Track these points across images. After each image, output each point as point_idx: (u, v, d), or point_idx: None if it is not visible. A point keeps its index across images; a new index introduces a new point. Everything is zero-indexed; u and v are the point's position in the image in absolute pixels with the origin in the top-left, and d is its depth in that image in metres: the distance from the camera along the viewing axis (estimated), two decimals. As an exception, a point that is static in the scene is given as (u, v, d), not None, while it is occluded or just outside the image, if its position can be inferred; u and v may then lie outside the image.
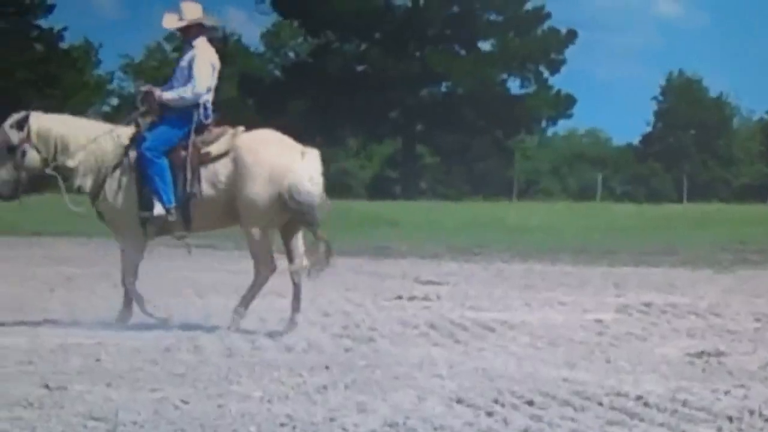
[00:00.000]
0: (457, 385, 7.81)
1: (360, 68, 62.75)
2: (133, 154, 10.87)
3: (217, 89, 11.28)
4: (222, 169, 10.78)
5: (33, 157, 10.81)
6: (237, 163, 10.73)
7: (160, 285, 15.09)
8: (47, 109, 11.71)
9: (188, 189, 10.74)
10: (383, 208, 34.88)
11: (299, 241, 10.93)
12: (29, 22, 63.29)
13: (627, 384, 7.97)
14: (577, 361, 9.09)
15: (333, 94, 57.86)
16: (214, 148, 10.82)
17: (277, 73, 70.73)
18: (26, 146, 10.78)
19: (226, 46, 72.20)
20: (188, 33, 11.18)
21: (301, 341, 9.88)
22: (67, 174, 10.93)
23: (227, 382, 7.92)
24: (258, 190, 10.66)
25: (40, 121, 10.94)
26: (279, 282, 15.03)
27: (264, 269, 10.89)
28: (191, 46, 11.12)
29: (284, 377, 8.07)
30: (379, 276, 16.97)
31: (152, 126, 10.95)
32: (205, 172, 10.78)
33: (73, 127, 11.16)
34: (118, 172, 10.88)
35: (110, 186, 10.87)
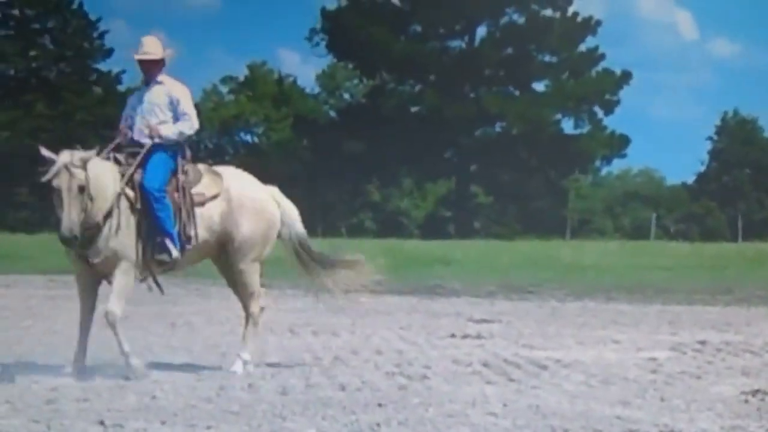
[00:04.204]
0: (511, 423, 7.81)
1: (415, 109, 62.84)
2: (130, 193, 10.22)
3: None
4: (216, 209, 10.51)
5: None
6: (231, 204, 10.54)
7: (214, 322, 15.25)
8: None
9: (187, 231, 10.36)
10: (437, 247, 34.82)
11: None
12: (88, 65, 64.06)
13: (681, 422, 7.94)
14: (631, 399, 9.05)
15: (388, 135, 57.90)
16: (206, 190, 10.50)
17: (332, 114, 71.01)
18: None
19: (281, 88, 72.93)
20: (154, 67, 10.63)
21: (355, 379, 9.90)
22: None
23: (281, 419, 7.95)
24: (254, 227, 10.64)
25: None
26: (334, 321, 15.11)
27: (256, 304, 10.88)
28: (157, 81, 10.65)
29: (338, 415, 8.09)
30: (433, 314, 16.97)
31: (143, 162, 10.34)
32: (200, 214, 10.47)
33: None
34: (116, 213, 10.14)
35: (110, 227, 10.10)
